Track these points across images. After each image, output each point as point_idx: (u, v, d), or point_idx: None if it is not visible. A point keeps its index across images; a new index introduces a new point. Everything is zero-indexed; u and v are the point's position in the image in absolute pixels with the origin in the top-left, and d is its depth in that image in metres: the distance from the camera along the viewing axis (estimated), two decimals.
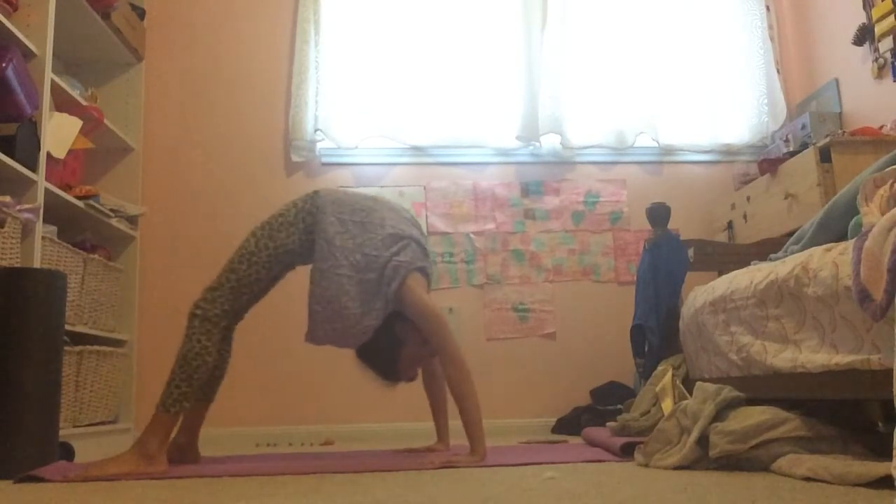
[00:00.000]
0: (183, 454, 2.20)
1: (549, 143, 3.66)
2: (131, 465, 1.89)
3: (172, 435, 2.06)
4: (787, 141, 3.22)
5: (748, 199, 3.28)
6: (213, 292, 2.06)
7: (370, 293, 2.08)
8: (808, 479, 1.43)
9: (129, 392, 3.19)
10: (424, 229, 3.55)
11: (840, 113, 3.33)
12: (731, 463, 1.65)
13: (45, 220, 2.48)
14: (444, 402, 2.48)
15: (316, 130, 3.51)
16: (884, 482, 1.24)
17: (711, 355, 2.24)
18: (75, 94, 2.85)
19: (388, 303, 2.10)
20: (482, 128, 3.63)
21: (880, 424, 1.85)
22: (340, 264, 2.08)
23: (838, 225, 2.01)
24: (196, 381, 1.99)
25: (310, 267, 2.14)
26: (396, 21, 3.66)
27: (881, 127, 2.91)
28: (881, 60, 3.07)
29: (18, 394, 1.90)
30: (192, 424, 2.22)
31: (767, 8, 3.88)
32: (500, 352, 3.49)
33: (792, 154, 3.05)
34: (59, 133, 2.66)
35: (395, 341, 2.19)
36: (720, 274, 2.58)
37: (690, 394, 1.99)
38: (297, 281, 2.19)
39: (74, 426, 2.65)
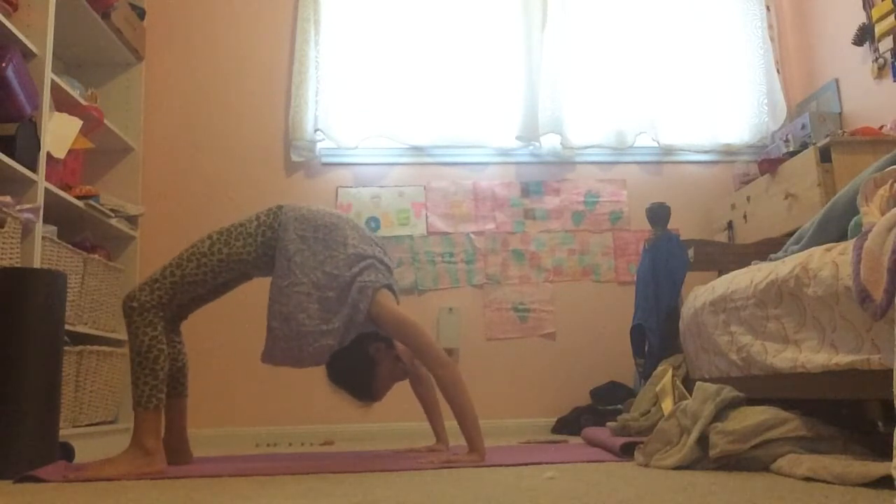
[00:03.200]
0: (175, 456, 2.19)
1: (549, 143, 3.66)
2: (130, 465, 1.89)
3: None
4: (787, 141, 3.22)
5: (748, 199, 3.28)
6: (152, 284, 2.03)
7: (330, 312, 2.06)
8: (808, 479, 1.43)
9: (129, 392, 3.18)
10: (424, 229, 3.56)
11: (840, 113, 3.33)
12: (731, 463, 1.65)
13: (45, 220, 2.48)
14: (435, 403, 2.48)
15: (316, 130, 3.51)
16: (884, 482, 1.24)
17: (711, 355, 2.24)
18: (75, 94, 2.85)
19: (353, 324, 2.07)
20: (482, 128, 3.63)
21: (880, 424, 1.85)
22: (300, 282, 2.06)
23: (838, 225, 2.01)
24: (160, 372, 1.99)
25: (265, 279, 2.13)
26: (396, 21, 3.66)
27: (881, 127, 2.91)
28: (881, 60, 3.07)
29: (18, 394, 1.90)
30: (177, 424, 2.21)
31: (767, 8, 3.88)
32: (500, 352, 3.49)
33: (792, 154, 3.05)
34: (59, 133, 2.65)
35: (370, 362, 2.18)
36: (720, 274, 2.58)
37: (690, 394, 1.99)
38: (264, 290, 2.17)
39: (74, 426, 2.65)
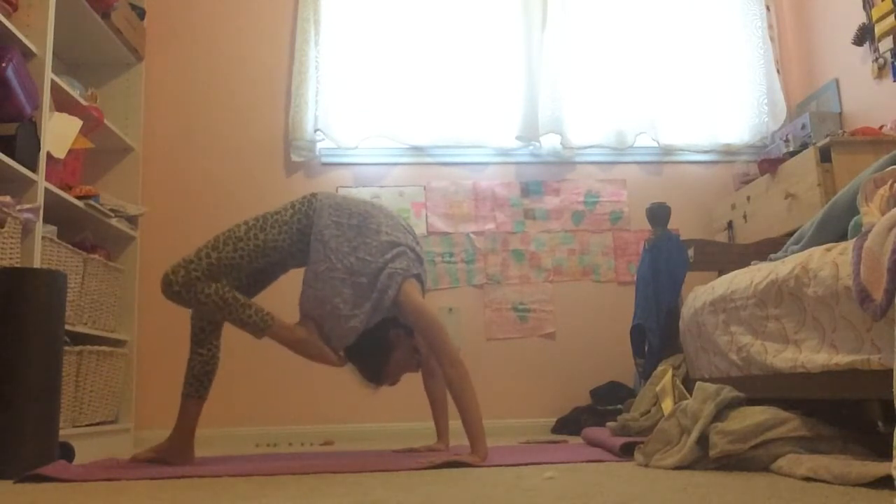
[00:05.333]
0: (178, 456, 2.19)
1: (549, 143, 3.66)
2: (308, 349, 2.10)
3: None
4: (787, 141, 3.22)
5: (748, 199, 3.28)
6: (188, 265, 2.06)
7: (360, 296, 2.12)
8: (808, 479, 1.43)
9: (129, 392, 3.19)
10: (424, 229, 3.56)
11: (840, 113, 3.33)
12: (731, 463, 1.65)
13: (45, 220, 2.48)
14: (444, 400, 2.50)
15: (316, 130, 3.51)
16: (884, 482, 1.24)
17: (711, 355, 2.24)
18: (75, 94, 2.85)
19: (379, 308, 2.13)
20: (482, 128, 3.63)
21: (880, 424, 1.85)
22: (335, 267, 2.11)
23: (838, 225, 2.01)
24: (242, 300, 2.08)
25: (303, 269, 2.18)
26: (396, 21, 3.66)
27: (881, 127, 2.91)
28: (881, 60, 3.07)
29: (18, 394, 1.90)
30: (189, 425, 2.22)
31: (767, 8, 3.88)
32: (500, 352, 3.49)
33: (792, 154, 3.05)
34: (59, 133, 2.66)
35: (388, 346, 2.23)
36: (720, 274, 2.58)
37: (690, 394, 1.99)
38: (297, 281, 2.20)
39: (74, 426, 2.65)
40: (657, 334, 2.66)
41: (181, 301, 2.07)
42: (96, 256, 2.93)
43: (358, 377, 2.28)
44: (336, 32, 3.63)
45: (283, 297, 2.35)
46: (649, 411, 2.40)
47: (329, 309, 2.10)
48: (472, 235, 3.59)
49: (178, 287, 2.04)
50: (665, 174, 3.75)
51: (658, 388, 2.45)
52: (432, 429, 2.53)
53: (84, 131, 2.85)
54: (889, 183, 1.68)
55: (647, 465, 1.78)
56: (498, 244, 3.60)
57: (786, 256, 2.01)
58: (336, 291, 2.10)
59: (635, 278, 2.93)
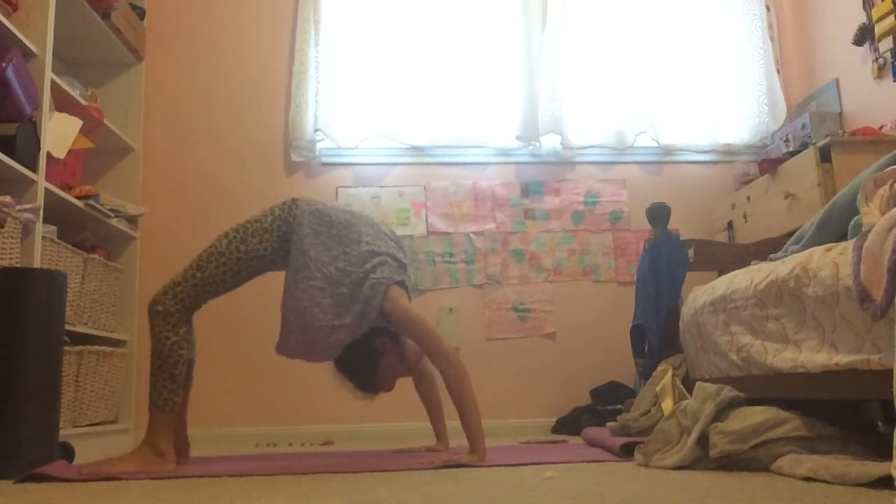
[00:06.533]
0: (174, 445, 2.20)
1: (549, 143, 3.66)
2: (142, 464, 1.94)
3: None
4: (787, 141, 3.22)
5: (748, 199, 3.28)
6: (175, 287, 2.07)
7: (342, 307, 2.09)
8: (808, 479, 1.43)
9: (129, 392, 3.19)
10: (424, 229, 3.56)
11: (840, 113, 3.33)
12: (731, 463, 1.66)
13: (45, 220, 2.48)
14: (438, 402, 2.50)
15: (316, 130, 3.51)
16: (884, 482, 1.24)
17: (711, 355, 2.24)
18: (75, 94, 2.85)
19: (366, 319, 2.11)
20: (482, 128, 3.63)
21: (880, 424, 1.85)
22: (314, 276, 2.09)
23: (838, 225, 2.01)
24: (178, 376, 2.04)
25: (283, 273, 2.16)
26: (396, 21, 3.66)
27: (881, 127, 2.91)
28: (881, 60, 3.07)
29: (18, 394, 1.90)
30: (178, 413, 2.21)
31: (767, 8, 3.88)
32: (500, 352, 3.49)
33: (792, 154, 3.05)
34: (59, 133, 2.65)
35: (375, 354, 2.22)
36: (720, 274, 2.58)
37: (690, 394, 1.99)
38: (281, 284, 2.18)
39: (74, 426, 2.64)
40: (657, 334, 2.67)
41: (151, 321, 2.05)
42: (96, 256, 2.93)
43: (352, 389, 2.27)
44: (336, 32, 3.63)
45: (270, 297, 2.32)
46: (649, 411, 2.40)
47: (308, 320, 2.07)
48: (472, 235, 3.59)
49: (161, 308, 2.04)
50: (665, 174, 3.75)
51: (658, 388, 2.45)
52: (432, 429, 2.54)
53: (84, 131, 2.85)
54: (889, 183, 1.68)
55: (647, 465, 1.78)
56: (498, 244, 3.60)
57: (786, 256, 2.01)
58: (314, 301, 2.07)
59: (635, 278, 2.93)
